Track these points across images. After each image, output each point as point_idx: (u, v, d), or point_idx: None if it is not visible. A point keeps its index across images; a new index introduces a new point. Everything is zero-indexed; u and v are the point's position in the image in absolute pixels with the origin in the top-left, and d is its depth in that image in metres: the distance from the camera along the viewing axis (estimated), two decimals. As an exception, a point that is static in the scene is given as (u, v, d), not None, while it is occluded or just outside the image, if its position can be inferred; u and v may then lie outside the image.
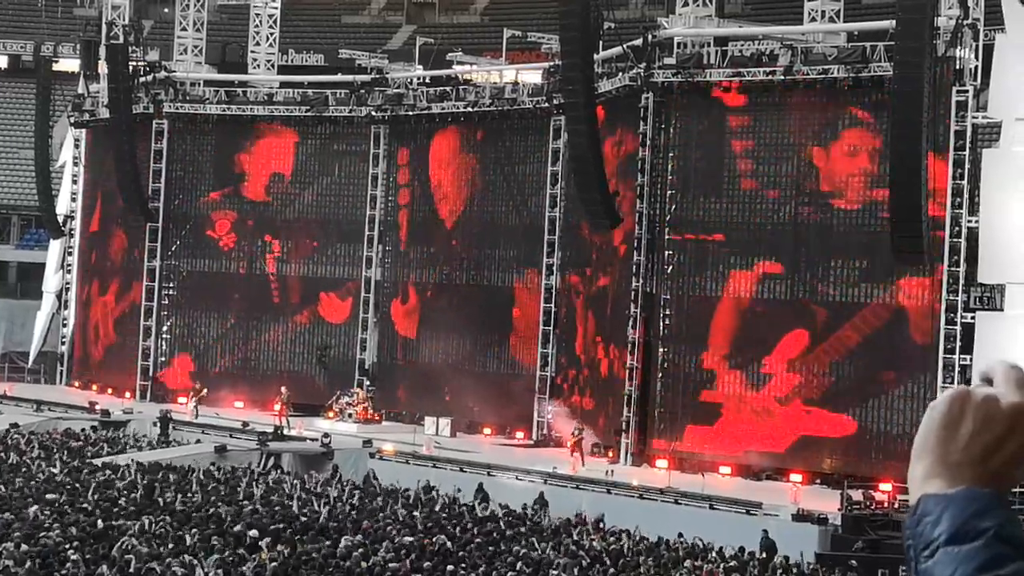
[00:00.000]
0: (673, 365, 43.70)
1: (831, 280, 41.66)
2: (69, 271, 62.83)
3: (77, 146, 62.75)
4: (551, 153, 49.25)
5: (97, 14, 64.60)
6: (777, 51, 43.34)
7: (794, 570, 29.75)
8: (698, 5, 45.78)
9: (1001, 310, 37.93)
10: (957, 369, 38.15)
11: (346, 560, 24.44)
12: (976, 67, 39.11)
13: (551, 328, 48.64)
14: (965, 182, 38.47)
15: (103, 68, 58.93)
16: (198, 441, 44.97)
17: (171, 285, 57.50)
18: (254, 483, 34.88)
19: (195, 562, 23.04)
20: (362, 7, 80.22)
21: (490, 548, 27.38)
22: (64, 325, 62.68)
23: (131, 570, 22.50)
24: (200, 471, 36.28)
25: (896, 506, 35.40)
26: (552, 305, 48.75)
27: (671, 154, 44.01)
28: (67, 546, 23.74)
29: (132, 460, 37.68)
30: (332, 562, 24.29)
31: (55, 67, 67.40)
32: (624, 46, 45.14)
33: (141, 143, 56.80)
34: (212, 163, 57.94)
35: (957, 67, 38.75)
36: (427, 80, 55.49)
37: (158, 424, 47.06)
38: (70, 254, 62.89)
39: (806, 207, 42.07)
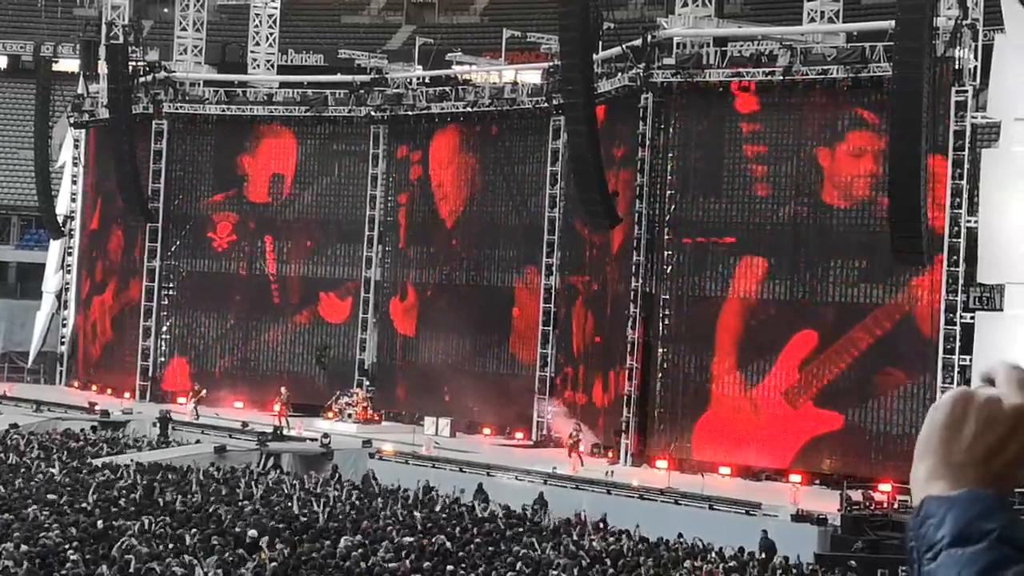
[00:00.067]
0: (673, 366, 43.70)
1: (832, 280, 41.63)
2: (69, 271, 62.84)
3: (77, 146, 62.76)
4: (550, 153, 49.26)
5: (97, 14, 64.60)
6: (776, 51, 43.34)
7: (794, 571, 29.74)
8: (697, 5, 45.78)
9: (1001, 310, 37.94)
10: (957, 369, 38.15)
11: (346, 560, 24.44)
12: (975, 67, 39.10)
13: (551, 328, 48.65)
14: (964, 182, 38.48)
15: (103, 68, 58.95)
16: (198, 441, 44.97)
17: (171, 285, 57.50)
18: (254, 483, 34.87)
19: (195, 562, 23.04)
20: (362, 7, 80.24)
21: (490, 548, 27.37)
22: (64, 325, 62.69)
23: (131, 570, 22.49)
24: (200, 471, 36.27)
25: (895, 506, 35.41)
26: (552, 305, 48.76)
27: (670, 154, 44.02)
28: (67, 546, 23.73)
29: (132, 460, 37.68)
30: (332, 562, 24.28)
31: (55, 67, 67.44)
32: (623, 46, 45.15)
33: (141, 143, 56.80)
34: (212, 163, 57.95)
35: (956, 67, 38.75)
36: (427, 80, 55.49)
37: (158, 424, 47.07)
38: (70, 254, 62.90)
39: (807, 207, 42.04)
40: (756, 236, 42.80)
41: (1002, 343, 36.20)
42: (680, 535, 31.87)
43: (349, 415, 50.07)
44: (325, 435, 44.66)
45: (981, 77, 39.08)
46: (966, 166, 38.49)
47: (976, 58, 39.13)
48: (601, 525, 33.51)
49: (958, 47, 38.59)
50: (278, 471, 39.60)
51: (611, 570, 26.46)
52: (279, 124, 56.22)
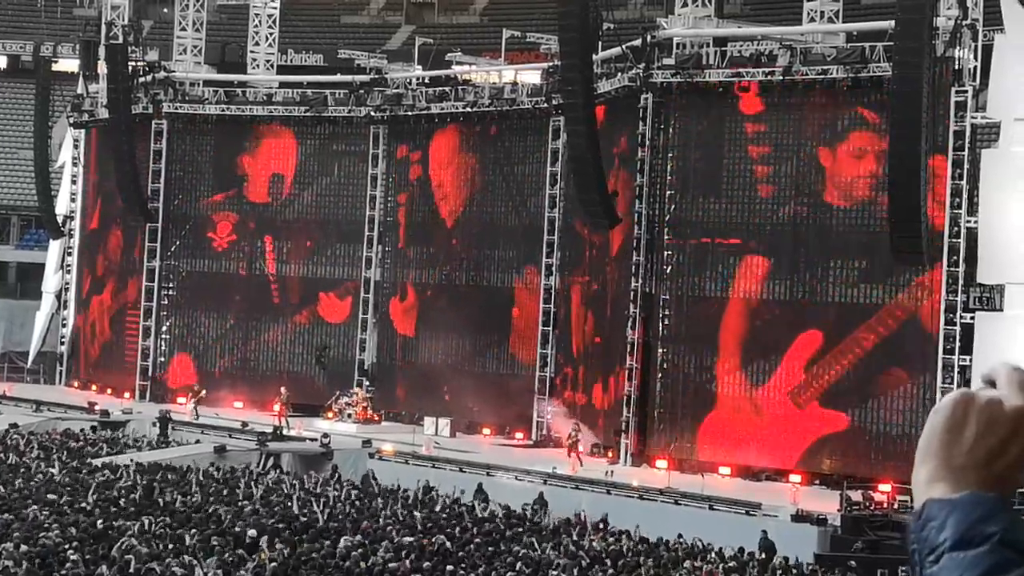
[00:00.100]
0: (672, 366, 43.69)
1: (833, 280, 41.61)
2: (68, 271, 62.84)
3: (76, 146, 62.75)
4: (550, 153, 49.27)
5: (97, 14, 64.58)
6: (776, 51, 43.33)
7: (793, 571, 29.74)
8: (697, 5, 45.77)
9: (1000, 310, 37.93)
10: (956, 369, 38.14)
11: (345, 560, 24.44)
12: (975, 67, 39.09)
13: (550, 328, 48.65)
14: (964, 182, 38.47)
15: (102, 68, 58.94)
16: (197, 441, 44.96)
17: (170, 285, 57.50)
18: (253, 483, 34.86)
19: (195, 562, 23.04)
20: (361, 7, 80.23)
21: (490, 548, 27.37)
22: (63, 325, 62.70)
23: (131, 570, 22.48)
24: (200, 471, 36.26)
25: (895, 507, 35.40)
26: (551, 305, 48.76)
27: (670, 154, 44.01)
28: (67, 546, 23.73)
29: (132, 460, 37.67)
30: (331, 562, 24.28)
31: (54, 67, 67.45)
32: (623, 46, 45.14)
33: (140, 143, 56.80)
34: (211, 163, 57.95)
35: (956, 67, 38.74)
36: (426, 80, 55.48)
37: (157, 424, 47.06)
38: (69, 254, 62.89)
39: (807, 207, 42.03)
40: (758, 236, 42.78)
41: (1002, 343, 36.20)
42: (680, 535, 31.86)
43: (349, 415, 50.07)
44: (325, 435, 44.65)
45: (981, 77, 39.07)
46: (966, 166, 38.48)
47: (976, 58, 39.12)
48: (601, 525, 33.50)
49: (958, 47, 38.59)
50: (278, 471, 39.59)
51: (611, 570, 26.45)
52: (279, 124, 56.22)
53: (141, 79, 57.24)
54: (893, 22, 38.02)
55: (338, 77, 56.94)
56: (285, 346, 56.33)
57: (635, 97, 44.08)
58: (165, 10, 72.01)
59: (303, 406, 50.96)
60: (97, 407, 51.14)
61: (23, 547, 23.31)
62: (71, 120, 62.71)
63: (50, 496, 29.97)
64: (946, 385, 38.03)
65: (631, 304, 43.54)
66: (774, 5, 63.35)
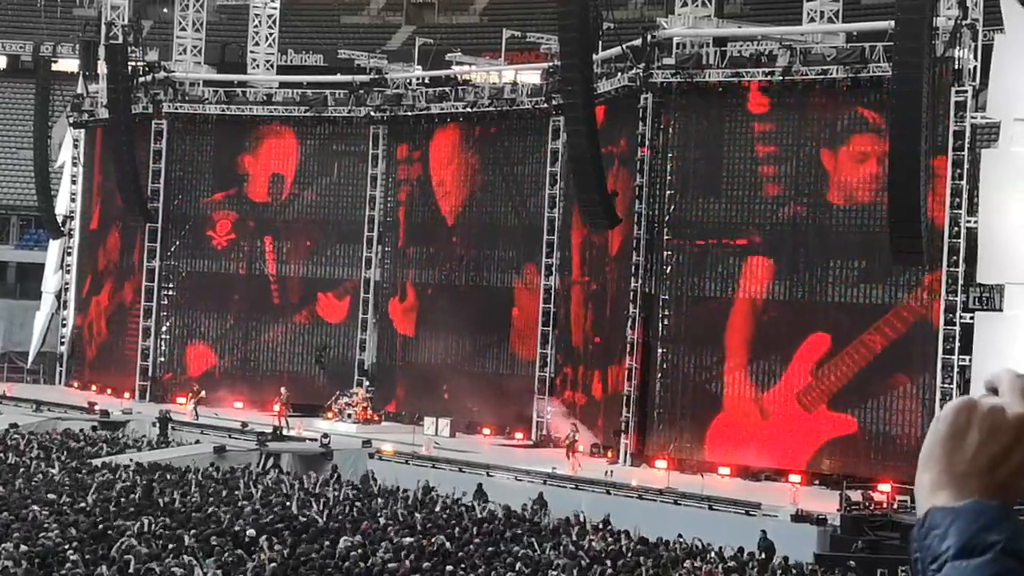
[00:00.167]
0: (672, 366, 43.69)
1: (833, 281, 41.60)
2: (68, 271, 62.84)
3: (76, 146, 62.75)
4: (550, 153, 49.28)
5: (96, 14, 64.56)
6: (776, 51, 43.33)
7: (793, 571, 29.73)
8: (697, 5, 45.77)
9: (1000, 310, 37.92)
10: (956, 370, 38.13)
11: (345, 561, 24.43)
12: (975, 67, 39.10)
13: (550, 328, 48.65)
14: (964, 182, 38.47)
15: (102, 68, 58.93)
16: (197, 442, 44.94)
17: (170, 285, 57.50)
18: (253, 484, 34.85)
19: (194, 563, 23.03)
20: (361, 7, 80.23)
21: (489, 548, 27.36)
22: (63, 325, 62.70)
23: (130, 571, 22.48)
24: (199, 472, 36.26)
25: (895, 507, 35.39)
26: (551, 305, 48.76)
27: (670, 154, 44.01)
28: (66, 546, 23.73)
29: (131, 460, 37.67)
30: (331, 563, 24.28)
31: (54, 67, 67.44)
32: (623, 46, 45.15)
33: (140, 143, 56.79)
34: (211, 163, 57.96)
35: (956, 67, 38.75)
36: (426, 80, 55.49)
37: (157, 424, 47.06)
38: (69, 254, 62.90)
39: (807, 207, 42.03)
40: (759, 236, 42.76)
41: (1002, 343, 36.20)
42: (679, 535, 31.84)
43: (349, 415, 50.07)
44: (325, 435, 44.65)
45: (981, 77, 39.07)
46: (966, 166, 38.49)
47: (976, 58, 39.12)
48: (601, 526, 33.48)
49: (958, 47, 38.59)
50: (277, 471, 39.57)
51: (610, 570, 26.45)
52: (280, 124, 56.22)
53: (141, 79, 57.24)
54: (893, 22, 38.02)
55: (338, 77, 56.95)
56: (285, 346, 56.34)
57: (635, 97, 44.08)
58: (165, 10, 72.01)
59: (303, 406, 50.95)
60: (97, 407, 51.14)
61: (23, 547, 23.31)
62: (71, 120, 62.71)
63: (50, 496, 29.97)
64: (945, 385, 38.04)
65: (631, 304, 43.54)
66: (774, 5, 63.37)
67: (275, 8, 62.07)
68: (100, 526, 26.33)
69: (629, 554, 28.59)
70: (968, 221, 38.33)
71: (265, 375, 55.65)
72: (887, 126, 38.41)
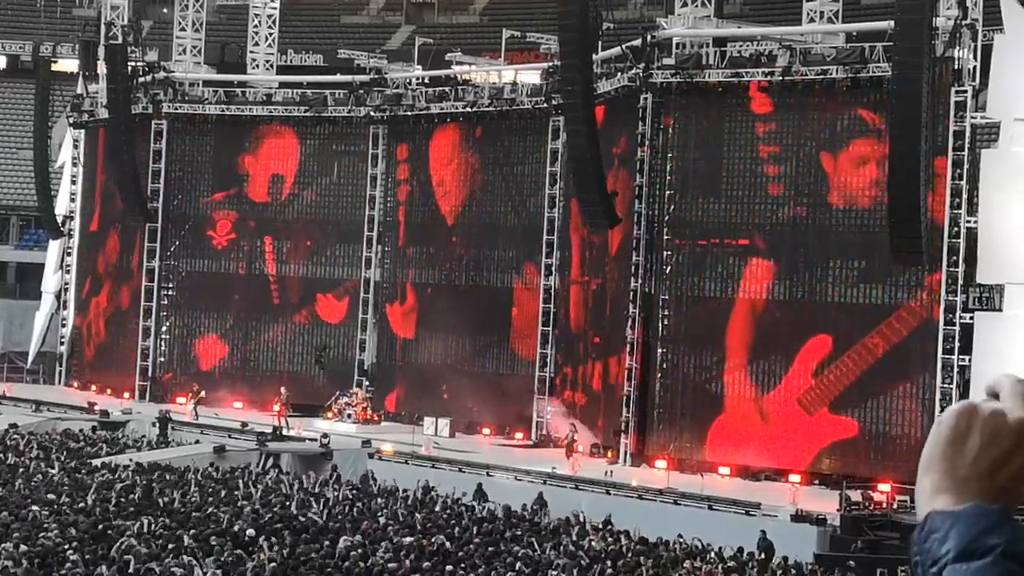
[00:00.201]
0: (672, 366, 43.68)
1: (833, 281, 41.60)
2: (68, 271, 62.84)
3: (76, 146, 62.75)
4: (550, 153, 49.28)
5: (96, 14, 64.55)
6: (776, 52, 43.33)
7: (793, 571, 29.74)
8: (697, 6, 45.77)
9: (1000, 310, 37.92)
10: (956, 370, 38.13)
11: (345, 561, 24.44)
12: (975, 67, 39.10)
13: (550, 328, 48.65)
14: (964, 182, 38.48)
15: (102, 68, 58.91)
16: (197, 442, 44.94)
17: (170, 285, 57.50)
18: (253, 484, 34.85)
19: (194, 563, 23.04)
20: (361, 7, 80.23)
21: (489, 548, 27.37)
22: (63, 325, 62.70)
23: (130, 570, 22.49)
24: (199, 472, 36.26)
25: (895, 507, 35.39)
26: (551, 305, 48.76)
27: (670, 154, 44.01)
28: (66, 546, 23.73)
29: (131, 460, 37.67)
30: (331, 563, 24.28)
31: (54, 67, 67.49)
32: (623, 46, 45.15)
33: (140, 143, 56.79)
34: (211, 163, 57.96)
35: (956, 67, 38.75)
36: (426, 80, 55.48)
37: (157, 424, 47.06)
38: (69, 254, 62.89)
39: (807, 207, 42.02)
40: (760, 237, 42.75)
41: (1001, 343, 36.21)
42: (679, 535, 31.85)
43: (348, 415, 50.07)
44: (324, 435, 44.65)
45: (981, 77, 39.08)
46: (966, 166, 38.49)
47: (976, 58, 39.12)
48: (601, 526, 33.48)
49: (957, 47, 38.59)
50: (277, 471, 39.58)
51: (610, 570, 26.45)
52: (280, 124, 56.22)
53: (141, 79, 57.23)
54: (893, 22, 38.02)
55: (338, 77, 56.94)
56: (285, 346, 56.35)
57: (635, 97, 44.08)
58: (165, 10, 71.98)
59: (303, 406, 50.95)
60: (97, 407, 51.14)
61: (23, 547, 23.31)
62: (71, 120, 62.71)
63: (50, 496, 29.97)
64: (945, 385, 38.04)
65: (631, 304, 43.54)
66: (774, 5, 63.36)
67: (275, 8, 62.08)
68: (100, 526, 26.34)
69: (629, 554, 28.60)
70: (968, 221, 38.34)
71: (265, 375, 55.65)
72: (887, 126, 38.40)
